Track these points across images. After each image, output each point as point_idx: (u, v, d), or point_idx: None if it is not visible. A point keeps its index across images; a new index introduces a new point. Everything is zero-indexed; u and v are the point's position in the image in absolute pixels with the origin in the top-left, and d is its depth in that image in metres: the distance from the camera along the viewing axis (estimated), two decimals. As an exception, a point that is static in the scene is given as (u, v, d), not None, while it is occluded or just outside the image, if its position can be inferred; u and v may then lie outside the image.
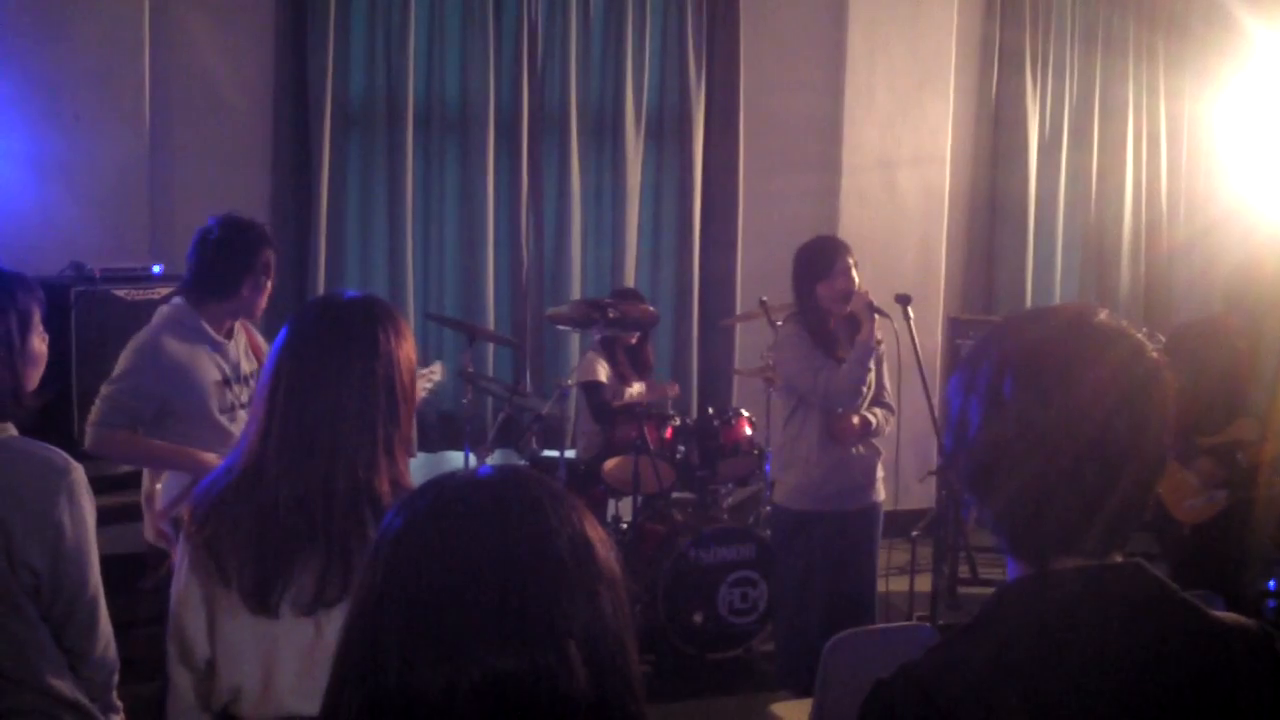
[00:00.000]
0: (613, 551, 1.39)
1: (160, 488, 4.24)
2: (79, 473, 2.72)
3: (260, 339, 4.56)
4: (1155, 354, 1.58)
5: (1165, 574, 1.59)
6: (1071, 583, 1.54)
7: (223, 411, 4.26)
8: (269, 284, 4.37)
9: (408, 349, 2.45)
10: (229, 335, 4.36)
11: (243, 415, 4.27)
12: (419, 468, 6.88)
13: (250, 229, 4.32)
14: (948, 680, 1.51)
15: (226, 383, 4.29)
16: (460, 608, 1.27)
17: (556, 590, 1.30)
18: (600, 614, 1.32)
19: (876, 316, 4.96)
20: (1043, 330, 1.62)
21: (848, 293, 4.96)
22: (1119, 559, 1.58)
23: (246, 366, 4.39)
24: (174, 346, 4.18)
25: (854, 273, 5.00)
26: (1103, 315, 1.60)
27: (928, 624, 4.92)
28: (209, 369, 4.24)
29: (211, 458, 4.09)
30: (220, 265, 4.24)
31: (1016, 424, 1.54)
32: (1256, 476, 5.24)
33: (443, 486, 1.39)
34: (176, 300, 4.31)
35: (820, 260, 5.02)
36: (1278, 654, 1.59)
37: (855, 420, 5.03)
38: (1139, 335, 1.59)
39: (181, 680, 2.44)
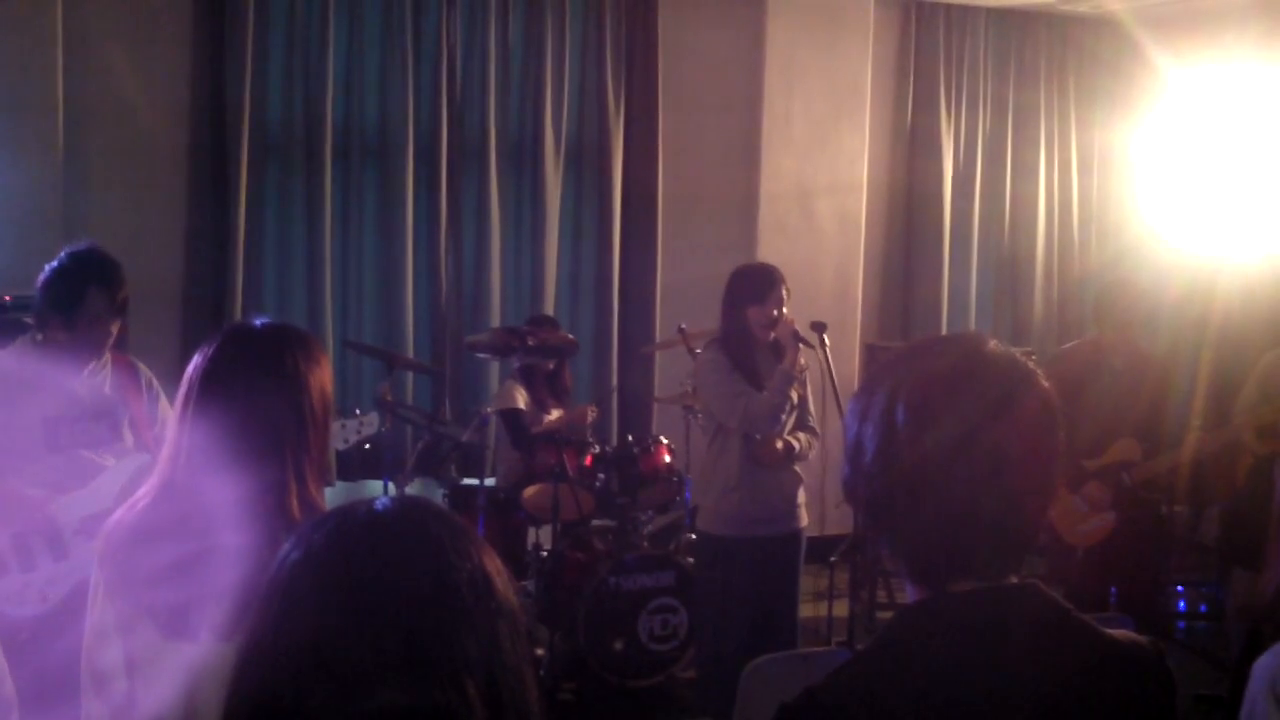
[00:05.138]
0: (511, 584, 1.38)
1: None
2: None
3: (142, 372, 4.30)
4: (1045, 382, 1.62)
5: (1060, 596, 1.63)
6: (969, 604, 1.57)
7: (57, 449, 4.02)
8: (98, 321, 4.02)
9: (320, 375, 2.44)
10: (80, 368, 4.10)
11: (96, 455, 4.08)
12: (337, 497, 6.83)
13: (75, 262, 4.03)
14: (849, 702, 1.53)
15: (64, 419, 4.05)
16: (356, 643, 1.26)
17: (455, 627, 1.29)
18: (499, 649, 1.31)
19: (801, 346, 5.00)
20: (934, 360, 1.65)
21: (776, 321, 4.99)
22: (1014, 580, 1.61)
23: (94, 402, 4.12)
24: (2, 379, 4.00)
25: (786, 302, 5.03)
26: (992, 344, 1.64)
27: (846, 649, 4.94)
28: (40, 403, 4.01)
29: (32, 495, 3.93)
30: (43, 299, 4.02)
31: (910, 452, 1.57)
32: (1143, 495, 5.35)
33: (341, 519, 1.37)
34: (32, 331, 4.13)
35: (758, 284, 5.03)
36: (1169, 671, 1.64)
37: (779, 445, 5.05)
38: (1029, 363, 1.64)
39: (98, 715, 2.39)
